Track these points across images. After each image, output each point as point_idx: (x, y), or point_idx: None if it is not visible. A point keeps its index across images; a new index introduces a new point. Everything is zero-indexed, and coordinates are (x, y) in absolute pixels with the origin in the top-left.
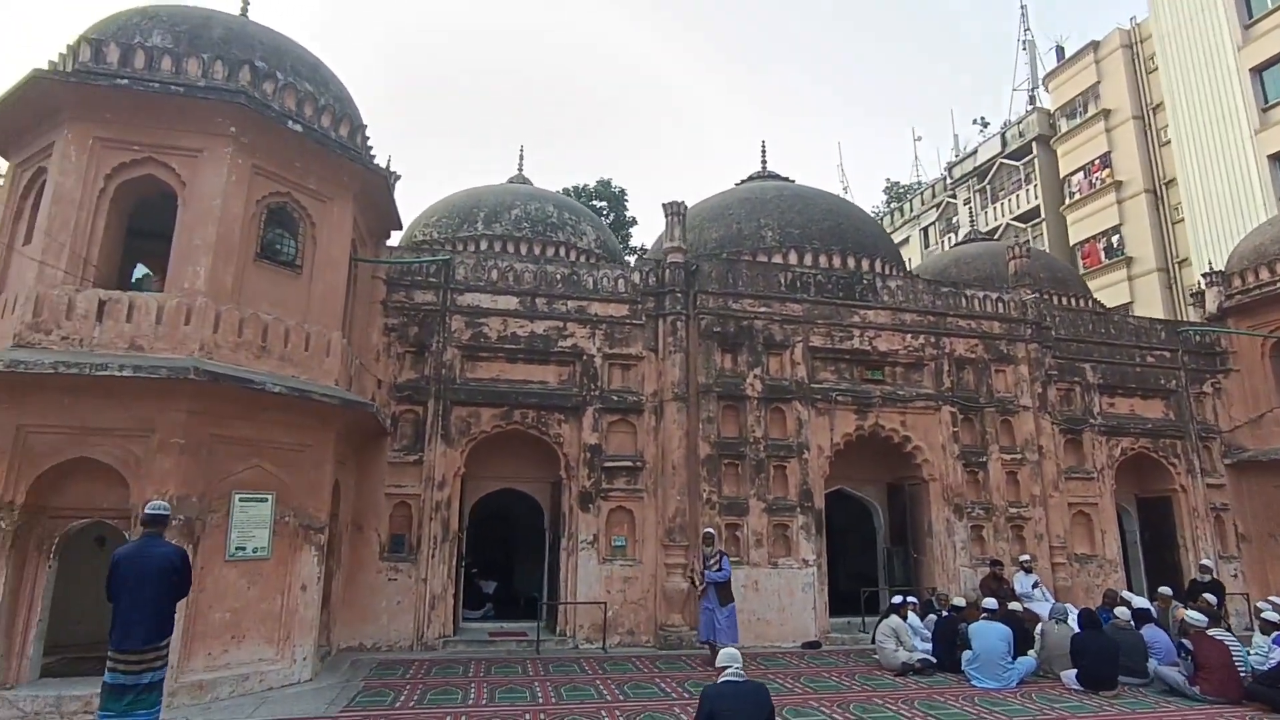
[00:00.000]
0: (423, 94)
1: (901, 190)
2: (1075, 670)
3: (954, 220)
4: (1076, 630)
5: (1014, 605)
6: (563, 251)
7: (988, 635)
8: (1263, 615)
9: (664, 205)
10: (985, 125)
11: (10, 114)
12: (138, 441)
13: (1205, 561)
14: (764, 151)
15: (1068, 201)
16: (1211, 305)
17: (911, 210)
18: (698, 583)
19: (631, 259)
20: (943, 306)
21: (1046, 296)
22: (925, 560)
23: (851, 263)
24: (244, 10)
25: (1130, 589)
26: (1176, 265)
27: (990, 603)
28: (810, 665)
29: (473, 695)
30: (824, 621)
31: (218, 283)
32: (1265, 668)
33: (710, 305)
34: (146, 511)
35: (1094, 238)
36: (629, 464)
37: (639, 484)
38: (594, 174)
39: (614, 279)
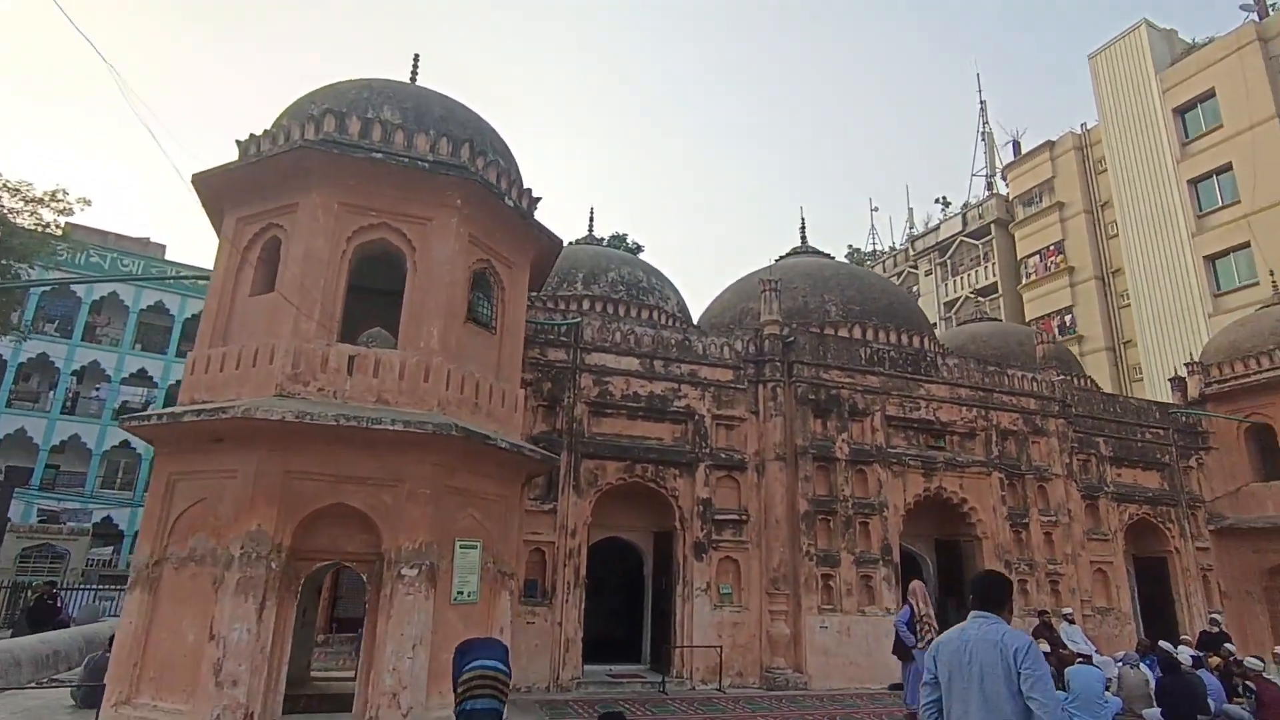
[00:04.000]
0: None
1: (862, 258)
2: (1159, 709)
3: (915, 290)
4: (1151, 674)
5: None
6: (654, 315)
7: (1086, 677)
8: None
9: (761, 281)
10: (947, 205)
11: (249, 175)
12: (387, 490)
13: (1215, 615)
14: (803, 228)
15: (1024, 281)
16: (1193, 391)
17: None
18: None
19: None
20: (990, 383)
21: (1065, 378)
22: None
23: (904, 339)
24: (413, 77)
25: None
26: (1122, 345)
27: (1086, 648)
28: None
29: None
30: None
31: (446, 343)
32: None
33: (805, 375)
34: None
35: (1049, 315)
36: (735, 517)
37: (744, 536)
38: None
39: (719, 345)
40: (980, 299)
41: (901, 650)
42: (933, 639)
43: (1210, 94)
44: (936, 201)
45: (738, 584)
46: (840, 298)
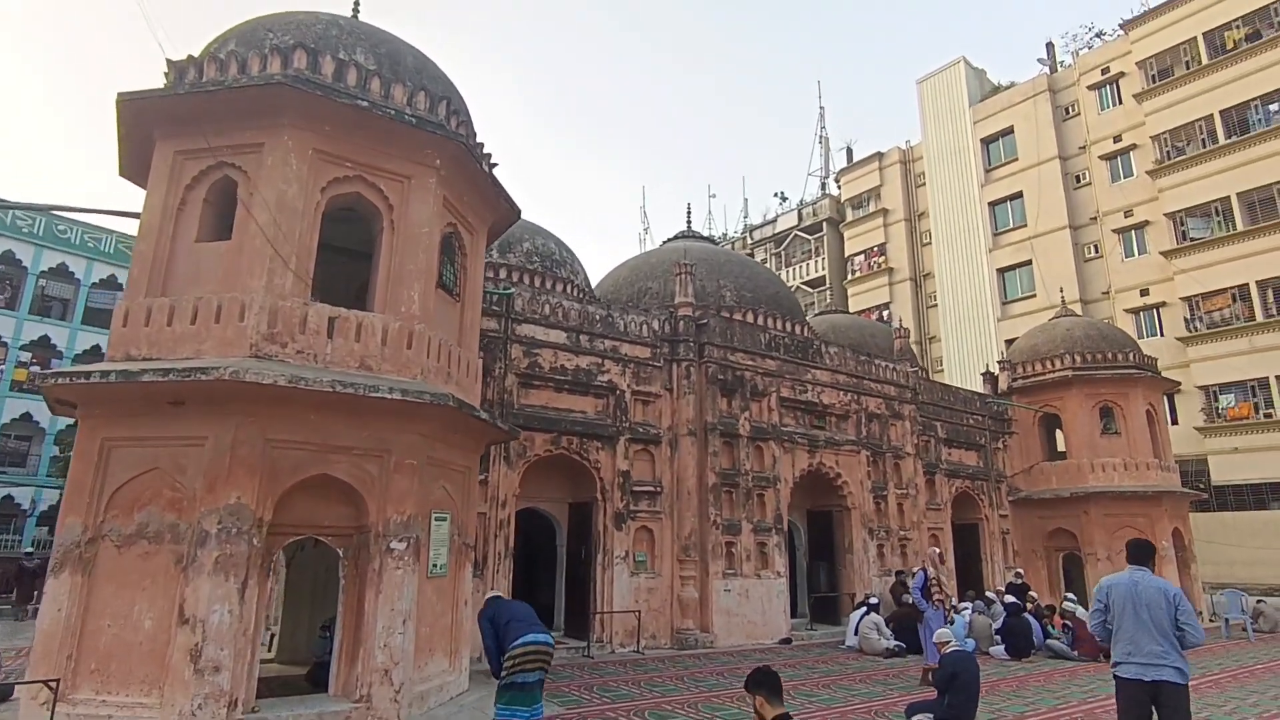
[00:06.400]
0: None
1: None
2: (1003, 645)
3: None
4: (997, 619)
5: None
6: (567, 288)
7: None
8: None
9: (677, 264)
10: (784, 199)
11: (200, 104)
12: (373, 461)
13: (1019, 570)
14: (689, 214)
15: (850, 277)
16: (1003, 384)
17: None
18: (948, 610)
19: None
20: (861, 371)
21: (916, 369)
22: (846, 571)
23: (790, 326)
24: (355, 12)
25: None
26: (928, 340)
27: (953, 602)
28: (810, 656)
29: (633, 692)
30: (789, 622)
31: (426, 308)
32: None
33: (715, 356)
34: None
35: (869, 309)
36: (650, 489)
37: (658, 506)
38: None
39: (639, 324)
40: (809, 289)
41: (915, 612)
42: (943, 599)
43: (1010, 131)
44: (775, 195)
45: (652, 552)
46: (735, 284)
